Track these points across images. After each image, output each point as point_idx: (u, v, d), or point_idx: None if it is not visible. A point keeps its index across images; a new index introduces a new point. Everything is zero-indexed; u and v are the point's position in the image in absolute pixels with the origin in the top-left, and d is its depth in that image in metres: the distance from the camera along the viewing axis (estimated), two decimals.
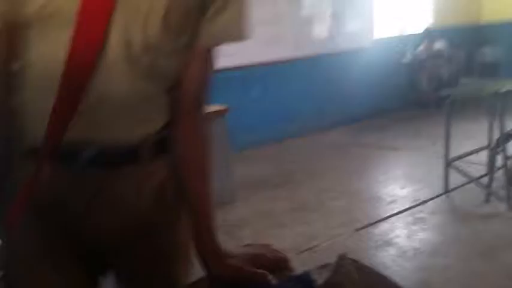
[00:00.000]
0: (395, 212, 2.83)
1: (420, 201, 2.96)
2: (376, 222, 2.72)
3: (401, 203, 2.96)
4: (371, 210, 2.78)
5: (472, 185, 3.05)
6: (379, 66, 5.65)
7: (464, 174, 3.08)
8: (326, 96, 5.21)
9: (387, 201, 3.02)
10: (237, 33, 0.80)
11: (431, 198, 2.98)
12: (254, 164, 4.33)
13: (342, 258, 0.71)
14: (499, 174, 2.92)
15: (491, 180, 2.97)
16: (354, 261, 0.73)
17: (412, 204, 2.91)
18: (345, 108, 5.17)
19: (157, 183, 0.82)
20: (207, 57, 0.80)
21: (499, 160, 2.86)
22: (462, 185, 3.12)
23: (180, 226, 0.88)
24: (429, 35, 5.94)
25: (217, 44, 0.80)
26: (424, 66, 5.85)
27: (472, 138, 3.67)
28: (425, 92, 5.62)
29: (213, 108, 3.19)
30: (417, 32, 6.17)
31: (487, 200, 2.85)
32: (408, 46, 5.98)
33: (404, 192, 3.19)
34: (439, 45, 5.77)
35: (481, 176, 3.15)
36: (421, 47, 5.93)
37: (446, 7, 6.40)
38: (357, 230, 2.62)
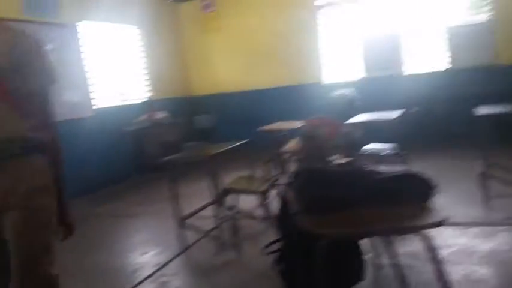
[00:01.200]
0: (138, 280, 2.80)
1: (161, 264, 3.02)
2: None
3: (145, 269, 2.96)
4: (114, 282, 2.67)
5: (206, 238, 3.36)
6: (104, 134, 5.74)
7: (197, 230, 3.37)
8: None
9: (130, 271, 2.98)
10: None
11: (171, 260, 3.09)
12: None
13: None
14: (228, 225, 3.32)
15: (220, 232, 3.36)
16: None
17: (154, 270, 2.94)
18: (78, 178, 4.89)
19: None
20: None
21: (224, 213, 3.26)
22: (197, 241, 3.41)
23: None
24: (150, 105, 6.43)
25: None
26: (148, 134, 6.20)
27: (199, 196, 4.06)
28: (151, 157, 5.83)
29: None
30: (138, 102, 6.59)
31: (220, 251, 3.17)
32: (131, 115, 6.29)
33: (145, 258, 3.21)
34: (160, 114, 6.28)
35: (212, 229, 3.53)
36: (144, 116, 6.33)
37: (163, 82, 7.14)
38: None
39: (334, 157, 2.04)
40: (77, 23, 5.63)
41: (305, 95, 6.81)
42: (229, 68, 7.70)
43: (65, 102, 5.26)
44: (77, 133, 5.30)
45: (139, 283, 2.77)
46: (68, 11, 5.47)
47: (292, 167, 4.28)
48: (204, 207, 3.70)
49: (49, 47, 5.15)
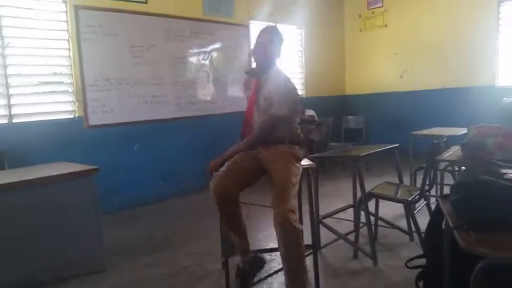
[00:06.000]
0: (272, 272, 2.83)
1: None
2: (255, 284, 2.69)
3: (275, 262, 2.96)
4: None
5: (341, 241, 3.24)
6: None
7: (332, 231, 3.26)
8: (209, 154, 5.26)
9: (267, 260, 3.03)
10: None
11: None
12: (131, 226, 4.07)
13: None
14: (365, 230, 3.15)
15: (357, 236, 3.20)
16: None
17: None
18: None
19: None
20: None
21: (363, 217, 3.08)
22: (332, 242, 3.30)
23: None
24: (301, 102, 6.47)
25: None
26: None
27: (339, 196, 3.95)
28: None
29: (80, 168, 2.96)
30: None
31: (356, 256, 3.03)
32: None
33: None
34: (308, 112, 6.29)
35: (348, 233, 3.39)
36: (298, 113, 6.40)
37: (316, 80, 7.14)
38: None
39: (504, 171, 1.72)
40: (249, 22, 6.00)
41: (473, 99, 6.07)
42: (387, 67, 7.33)
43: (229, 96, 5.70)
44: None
45: (271, 274, 2.80)
46: (240, 12, 5.88)
47: (449, 178, 3.86)
48: (343, 209, 3.57)
49: (224, 44, 5.66)
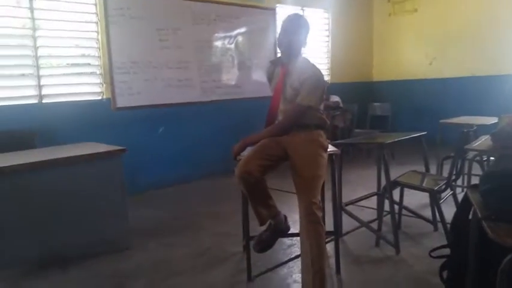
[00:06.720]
0: (293, 256, 2.85)
1: None
2: (276, 267, 2.72)
3: (297, 247, 2.98)
4: (271, 254, 2.76)
5: (364, 229, 3.22)
6: None
7: (355, 218, 3.24)
8: (233, 139, 5.29)
9: (287, 245, 3.05)
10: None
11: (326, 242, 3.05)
12: (155, 207, 4.15)
13: None
14: (388, 219, 3.12)
15: (380, 224, 3.17)
16: None
17: None
18: None
19: None
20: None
21: (387, 205, 3.05)
22: (354, 229, 3.29)
23: None
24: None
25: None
26: None
27: (362, 184, 3.91)
28: None
29: (107, 148, 3.02)
30: None
31: (378, 244, 3.01)
32: None
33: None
34: (333, 98, 6.21)
35: (371, 221, 3.36)
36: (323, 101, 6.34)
37: (343, 66, 7.03)
38: (256, 276, 2.58)
39: None
40: (276, 6, 5.93)
41: (504, 88, 5.87)
42: (415, 54, 7.14)
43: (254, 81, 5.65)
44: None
45: (292, 259, 2.82)
46: None
47: (477, 168, 3.77)
48: (366, 197, 3.54)
49: (250, 28, 5.61)
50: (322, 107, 2.50)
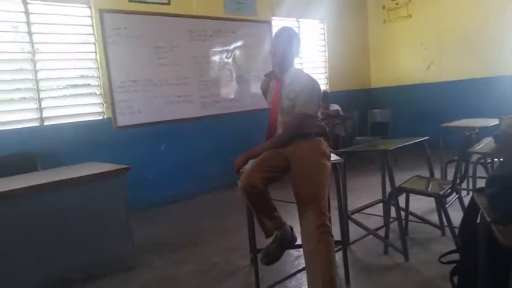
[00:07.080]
0: (301, 267, 2.82)
1: None
2: (284, 279, 2.69)
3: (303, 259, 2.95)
4: (279, 266, 2.74)
5: (371, 237, 3.20)
6: None
7: (362, 226, 3.22)
8: (234, 152, 5.30)
9: (294, 256, 3.02)
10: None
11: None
12: (160, 224, 4.14)
13: None
14: (395, 225, 3.10)
15: (387, 231, 3.15)
16: None
17: None
18: None
19: None
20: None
21: (393, 212, 3.03)
22: (362, 237, 3.26)
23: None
24: (325, 97, 6.39)
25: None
26: None
27: (367, 191, 3.89)
28: None
29: (111, 167, 3.02)
30: None
31: (386, 251, 2.98)
32: None
33: None
34: (333, 107, 6.22)
35: (378, 228, 3.34)
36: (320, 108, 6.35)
37: (340, 74, 7.06)
38: None
39: None
40: (271, 19, 5.99)
41: (503, 88, 5.89)
42: (413, 59, 7.17)
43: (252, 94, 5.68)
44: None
45: (300, 270, 2.79)
46: (262, 9, 5.87)
47: (481, 171, 3.76)
48: (372, 204, 3.52)
49: (246, 41, 5.66)
50: (319, 114, 2.53)
